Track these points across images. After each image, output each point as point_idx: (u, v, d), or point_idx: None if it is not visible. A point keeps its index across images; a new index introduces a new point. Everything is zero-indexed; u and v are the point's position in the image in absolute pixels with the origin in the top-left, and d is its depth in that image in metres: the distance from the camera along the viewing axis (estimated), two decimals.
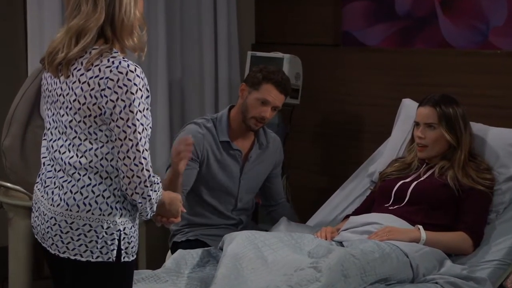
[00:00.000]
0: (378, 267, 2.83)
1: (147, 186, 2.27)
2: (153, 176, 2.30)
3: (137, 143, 2.24)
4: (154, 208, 2.35)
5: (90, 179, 2.26)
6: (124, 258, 2.31)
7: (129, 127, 2.23)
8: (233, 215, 3.54)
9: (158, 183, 2.32)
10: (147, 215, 2.35)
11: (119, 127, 2.23)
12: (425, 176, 3.28)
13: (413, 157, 3.37)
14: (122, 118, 2.22)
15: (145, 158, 2.26)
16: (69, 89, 2.27)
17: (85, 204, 2.26)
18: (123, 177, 2.25)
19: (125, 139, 2.23)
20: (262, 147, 3.53)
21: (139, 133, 2.24)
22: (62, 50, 2.26)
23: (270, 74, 3.38)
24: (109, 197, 2.28)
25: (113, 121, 2.23)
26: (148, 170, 2.27)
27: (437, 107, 3.24)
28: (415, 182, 3.26)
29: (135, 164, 2.24)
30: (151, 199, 2.30)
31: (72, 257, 2.27)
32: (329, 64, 4.45)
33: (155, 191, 2.31)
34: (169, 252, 3.57)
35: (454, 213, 3.17)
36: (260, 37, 4.85)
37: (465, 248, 3.12)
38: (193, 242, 3.44)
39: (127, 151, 2.24)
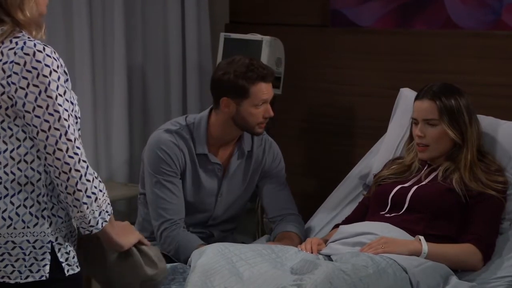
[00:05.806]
0: (372, 284, 2.82)
1: (89, 181, 2.24)
2: (92, 170, 2.27)
3: (66, 132, 2.21)
4: (106, 216, 2.31)
5: (6, 188, 2.23)
6: (68, 271, 2.29)
7: (51, 114, 2.20)
8: (202, 229, 3.50)
9: (100, 180, 2.28)
10: (96, 223, 2.29)
11: (39, 117, 2.20)
12: (427, 180, 3.29)
13: (413, 157, 3.37)
14: (40, 106, 2.19)
15: (78, 148, 2.23)
16: None
17: (4, 219, 2.22)
18: (59, 173, 2.21)
19: (49, 129, 2.20)
20: (243, 157, 3.47)
21: (65, 120, 2.21)
22: None
23: (248, 73, 3.31)
24: (32, 205, 2.24)
25: (30, 111, 2.20)
26: (85, 161, 2.24)
27: (437, 100, 3.23)
28: (415, 187, 3.26)
29: (69, 156, 2.21)
30: (96, 198, 2.26)
31: (0, 280, 2.24)
32: (316, 47, 4.46)
33: (100, 190, 2.28)
34: None
35: (461, 222, 3.18)
36: (235, 16, 4.85)
37: (474, 263, 3.12)
38: None
39: (56, 142, 2.20)
